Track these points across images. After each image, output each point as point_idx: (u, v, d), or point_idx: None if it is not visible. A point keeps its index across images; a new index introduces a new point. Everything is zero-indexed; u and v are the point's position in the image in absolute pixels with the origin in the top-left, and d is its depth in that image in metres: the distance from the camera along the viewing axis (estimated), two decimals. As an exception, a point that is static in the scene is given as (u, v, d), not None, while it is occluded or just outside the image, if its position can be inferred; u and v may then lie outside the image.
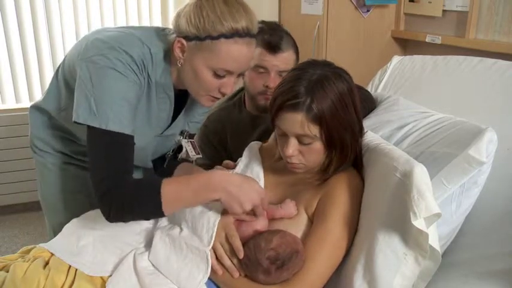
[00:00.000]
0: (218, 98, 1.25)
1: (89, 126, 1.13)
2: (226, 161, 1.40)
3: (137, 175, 1.51)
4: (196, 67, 1.18)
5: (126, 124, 1.13)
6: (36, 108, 1.44)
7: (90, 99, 1.13)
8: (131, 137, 1.15)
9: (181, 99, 1.36)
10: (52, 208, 1.50)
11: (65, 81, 1.29)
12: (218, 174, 1.13)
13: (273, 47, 1.61)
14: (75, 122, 1.14)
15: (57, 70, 1.35)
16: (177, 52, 1.18)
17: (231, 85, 1.22)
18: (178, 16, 1.17)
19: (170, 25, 1.24)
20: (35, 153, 1.48)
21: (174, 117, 1.37)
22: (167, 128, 1.38)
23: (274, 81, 1.62)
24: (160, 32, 1.27)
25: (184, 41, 1.16)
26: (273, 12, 3.14)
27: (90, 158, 1.14)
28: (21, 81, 2.89)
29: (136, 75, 1.17)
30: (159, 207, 1.08)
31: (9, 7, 2.73)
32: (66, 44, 2.88)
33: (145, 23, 3.03)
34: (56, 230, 1.31)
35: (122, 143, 1.13)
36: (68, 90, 1.28)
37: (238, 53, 1.16)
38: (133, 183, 1.12)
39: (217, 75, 1.18)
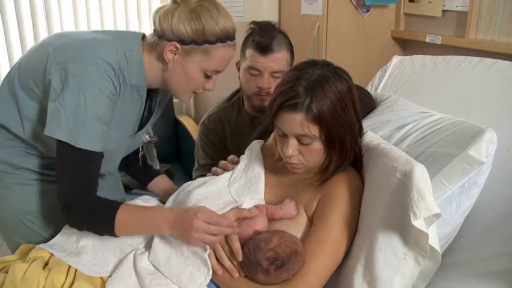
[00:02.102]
0: (200, 92, 1.34)
1: (58, 139, 1.13)
2: (231, 156, 1.40)
3: (103, 183, 1.41)
4: (189, 68, 1.24)
5: (95, 142, 1.15)
6: None
7: (60, 112, 1.12)
8: (99, 153, 1.18)
9: (150, 99, 1.39)
10: (17, 229, 1.35)
11: (27, 90, 1.22)
12: (160, 214, 1.15)
13: (263, 49, 1.60)
14: (45, 135, 1.14)
15: (9, 80, 1.26)
16: (168, 55, 1.22)
17: (214, 82, 1.32)
18: (169, 20, 1.20)
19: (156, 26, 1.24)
20: None
21: (142, 117, 1.39)
22: (140, 129, 1.39)
23: (267, 82, 1.62)
24: (131, 36, 1.28)
25: (178, 44, 1.20)
26: (273, 12, 3.13)
27: (57, 169, 1.17)
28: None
29: (113, 83, 1.17)
30: (111, 230, 1.14)
31: (8, 7, 2.72)
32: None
33: (145, 24, 3.01)
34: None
35: (89, 160, 1.16)
36: (31, 100, 1.22)
37: (229, 55, 1.28)
38: (93, 202, 1.16)
39: (207, 76, 1.27)
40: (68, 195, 1.14)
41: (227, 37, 1.23)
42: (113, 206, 1.14)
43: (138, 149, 1.48)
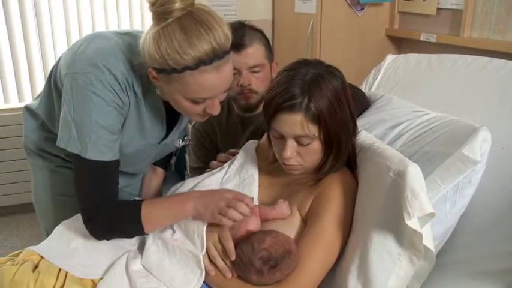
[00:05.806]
0: (209, 115, 1.21)
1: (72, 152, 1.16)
2: (231, 150, 1.40)
3: (137, 180, 1.50)
4: (173, 96, 1.14)
5: (104, 151, 1.15)
6: (28, 110, 1.41)
7: (71, 124, 1.14)
8: (112, 162, 1.17)
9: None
10: (45, 211, 1.47)
11: (56, 87, 1.26)
12: (184, 195, 1.17)
13: (235, 46, 1.57)
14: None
15: (51, 73, 1.30)
16: (153, 80, 1.14)
17: (215, 106, 1.17)
18: (142, 46, 1.10)
19: None
20: (28, 155, 1.45)
21: (172, 125, 1.35)
22: (164, 139, 1.36)
23: (247, 79, 1.61)
24: None
25: (154, 72, 1.10)
26: (267, 11, 3.13)
27: (74, 182, 1.19)
28: (10, 81, 2.86)
29: (118, 96, 1.14)
30: (140, 230, 1.15)
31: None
32: (56, 43, 2.86)
33: (138, 25, 3.00)
34: (50, 233, 1.30)
35: (102, 170, 1.16)
36: (58, 97, 1.25)
37: (209, 81, 1.08)
38: (115, 209, 1.17)
39: (196, 102, 1.13)
40: (89, 211, 1.16)
41: (199, 62, 1.04)
42: (135, 207, 1.16)
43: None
